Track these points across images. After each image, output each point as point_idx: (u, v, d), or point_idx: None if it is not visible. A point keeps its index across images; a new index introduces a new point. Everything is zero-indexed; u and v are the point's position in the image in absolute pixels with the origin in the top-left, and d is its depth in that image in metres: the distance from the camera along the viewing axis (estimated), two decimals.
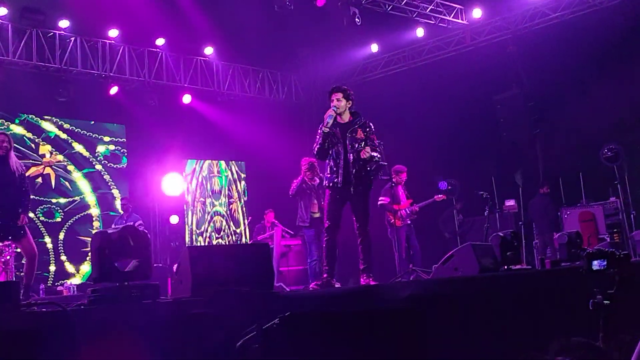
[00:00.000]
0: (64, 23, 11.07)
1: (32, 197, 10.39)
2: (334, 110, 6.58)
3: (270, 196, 12.64)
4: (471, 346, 4.70)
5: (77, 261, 12.08)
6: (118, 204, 12.39)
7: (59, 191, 12.32)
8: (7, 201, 6.89)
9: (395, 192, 9.66)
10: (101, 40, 11.56)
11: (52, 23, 11.01)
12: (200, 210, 13.84)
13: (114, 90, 11.76)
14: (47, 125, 12.12)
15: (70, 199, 12.36)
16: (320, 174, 9.05)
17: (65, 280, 11.63)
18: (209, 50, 12.72)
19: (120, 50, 11.75)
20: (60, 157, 12.28)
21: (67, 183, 12.38)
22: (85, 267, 12.07)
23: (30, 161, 11.95)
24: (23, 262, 7.51)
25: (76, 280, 11.69)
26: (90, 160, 12.57)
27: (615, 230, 9.87)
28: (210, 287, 4.96)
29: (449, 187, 10.49)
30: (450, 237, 11.02)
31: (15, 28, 10.68)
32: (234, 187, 14.45)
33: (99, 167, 12.65)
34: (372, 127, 6.73)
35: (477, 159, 11.58)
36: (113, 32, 11.56)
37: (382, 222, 9.95)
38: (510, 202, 10.78)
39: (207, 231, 13.80)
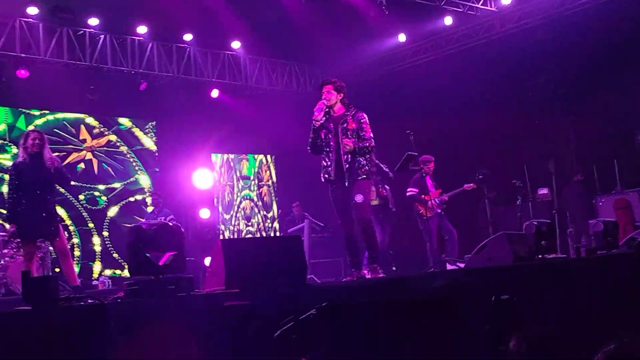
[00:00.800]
0: (93, 21, 11.17)
1: (73, 183, 10.63)
2: (324, 103, 6.56)
3: (299, 188, 12.67)
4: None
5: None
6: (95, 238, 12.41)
7: (102, 177, 12.48)
8: (42, 200, 6.95)
9: (424, 183, 9.61)
10: (130, 37, 11.66)
11: (82, 21, 11.11)
12: (228, 194, 13.88)
13: (143, 86, 11.85)
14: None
15: (113, 185, 12.51)
16: (377, 161, 8.96)
17: (103, 274, 11.76)
18: (236, 45, 12.75)
19: (149, 47, 11.84)
20: (112, 137, 12.46)
21: (109, 169, 12.52)
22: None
23: (71, 146, 12.13)
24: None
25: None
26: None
27: None
28: (244, 279, 5.00)
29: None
30: (483, 227, 10.91)
31: (46, 27, 10.81)
32: (264, 169, 14.48)
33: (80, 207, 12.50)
34: (365, 117, 6.64)
35: (508, 147, 11.45)
36: (142, 29, 11.64)
37: (412, 213, 9.91)
38: (544, 191, 10.62)
39: (236, 217, 13.85)
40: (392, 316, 2.93)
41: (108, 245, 12.29)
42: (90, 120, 12.46)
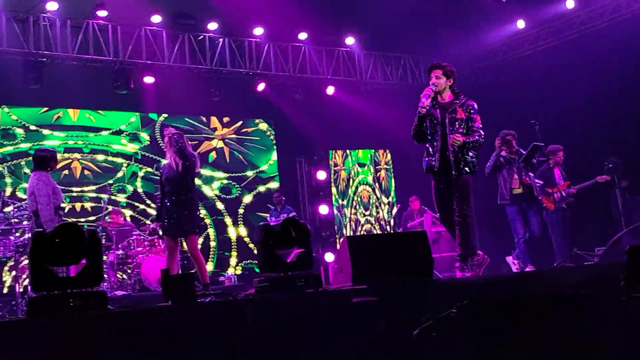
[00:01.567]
0: (212, 25, 11.56)
1: (208, 173, 10.89)
2: (432, 89, 6.21)
3: (416, 182, 12.52)
4: None
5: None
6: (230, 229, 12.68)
7: (234, 166, 12.90)
8: (177, 199, 7.23)
9: (551, 174, 9.23)
10: (247, 40, 11.96)
11: (202, 26, 11.53)
12: (343, 179, 13.93)
13: (261, 86, 12.13)
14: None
15: (245, 173, 12.89)
16: (517, 147, 8.62)
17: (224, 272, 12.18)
18: (350, 41, 12.79)
19: (266, 48, 12.10)
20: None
21: (240, 156, 12.93)
22: None
23: (203, 135, 12.61)
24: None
25: None
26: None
27: None
28: (371, 275, 5.00)
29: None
30: (615, 218, 10.37)
31: (169, 34, 11.29)
32: (382, 153, 14.44)
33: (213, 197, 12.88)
34: (475, 106, 6.24)
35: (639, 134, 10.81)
36: (258, 30, 11.92)
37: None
38: None
39: (352, 206, 13.91)
40: (534, 312, 2.83)
41: (243, 236, 12.63)
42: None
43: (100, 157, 11.81)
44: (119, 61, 10.81)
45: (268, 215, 11.73)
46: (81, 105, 11.65)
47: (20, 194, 10.54)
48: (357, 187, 14.05)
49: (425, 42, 12.82)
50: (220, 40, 11.71)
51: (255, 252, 12.14)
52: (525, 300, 2.93)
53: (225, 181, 12.73)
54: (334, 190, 13.68)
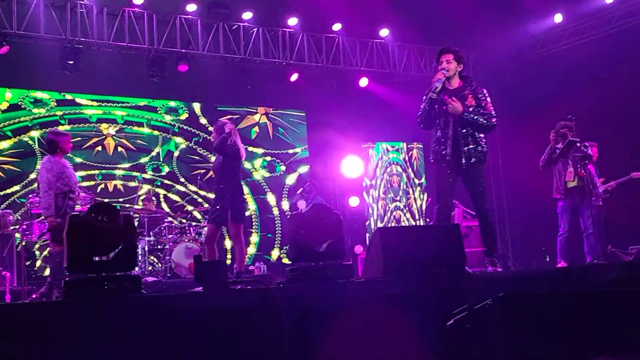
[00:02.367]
0: (247, 15, 11.59)
1: (249, 149, 10.94)
2: (443, 73, 6.04)
3: None
4: None
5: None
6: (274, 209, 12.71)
7: (278, 142, 12.95)
8: (216, 186, 7.37)
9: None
10: (281, 30, 11.96)
11: (236, 15, 11.56)
12: (382, 207, 13.78)
13: (294, 77, 12.12)
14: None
15: (290, 151, 12.86)
16: (572, 137, 8.34)
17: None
18: (384, 32, 12.73)
19: (299, 38, 12.09)
20: None
21: (285, 132, 12.93)
22: None
23: (244, 109, 12.72)
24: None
25: None
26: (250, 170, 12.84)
27: None
28: (402, 267, 4.97)
29: None
30: None
31: (204, 23, 11.35)
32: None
33: (257, 176, 12.92)
34: (486, 93, 6.08)
35: None
36: (292, 21, 11.92)
37: None
38: None
39: (388, 223, 13.81)
40: (571, 307, 2.79)
41: (287, 214, 12.60)
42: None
43: (135, 128, 11.83)
44: (154, 49, 10.89)
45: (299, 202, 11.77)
46: (116, 93, 11.76)
47: None
48: (386, 168, 13.87)
49: (460, 35, 12.68)
50: (255, 29, 11.73)
51: None
52: (561, 295, 2.89)
53: (269, 158, 12.72)
54: (365, 181, 13.64)
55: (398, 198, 13.95)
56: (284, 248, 12.32)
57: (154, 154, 11.95)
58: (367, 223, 13.39)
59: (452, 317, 2.88)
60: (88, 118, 11.50)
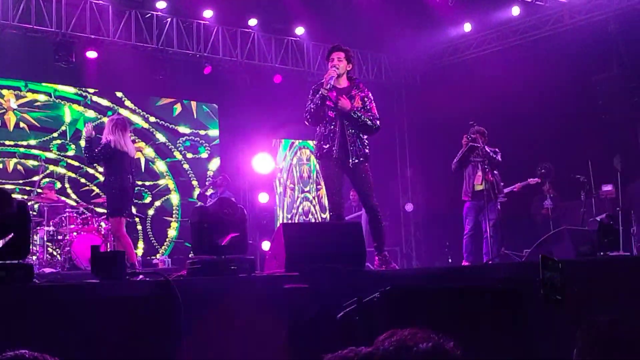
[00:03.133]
0: (161, 4, 11.37)
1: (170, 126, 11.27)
2: (335, 70, 6.09)
3: None
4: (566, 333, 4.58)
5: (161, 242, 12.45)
6: (196, 192, 12.63)
7: (202, 121, 12.92)
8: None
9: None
10: (196, 21, 11.82)
11: (149, 4, 11.33)
12: (289, 196, 13.93)
13: (207, 70, 12.01)
14: (134, 118, 12.32)
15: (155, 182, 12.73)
16: (483, 145, 8.58)
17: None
18: (300, 31, 12.79)
19: (214, 31, 11.98)
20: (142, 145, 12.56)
21: (155, 167, 12.72)
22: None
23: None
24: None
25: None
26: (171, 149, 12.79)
27: None
28: (304, 263, 5.03)
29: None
30: (542, 222, 10.71)
31: (115, 9, 11.05)
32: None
33: (179, 156, 12.84)
34: (370, 95, 6.24)
35: (573, 141, 11.17)
36: (208, 13, 11.79)
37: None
38: (608, 187, 10.31)
39: (296, 215, 13.91)
40: (455, 302, 2.92)
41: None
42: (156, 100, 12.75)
43: (40, 97, 11.38)
44: (62, 33, 10.53)
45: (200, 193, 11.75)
46: (19, 76, 11.29)
47: None
48: (300, 202, 13.94)
49: (375, 38, 12.93)
50: (168, 19, 11.54)
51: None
52: (446, 290, 3.02)
53: (139, 187, 12.45)
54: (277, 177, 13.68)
55: (307, 189, 14.03)
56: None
57: (60, 131, 11.51)
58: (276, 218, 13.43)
59: (343, 310, 2.96)
60: None
